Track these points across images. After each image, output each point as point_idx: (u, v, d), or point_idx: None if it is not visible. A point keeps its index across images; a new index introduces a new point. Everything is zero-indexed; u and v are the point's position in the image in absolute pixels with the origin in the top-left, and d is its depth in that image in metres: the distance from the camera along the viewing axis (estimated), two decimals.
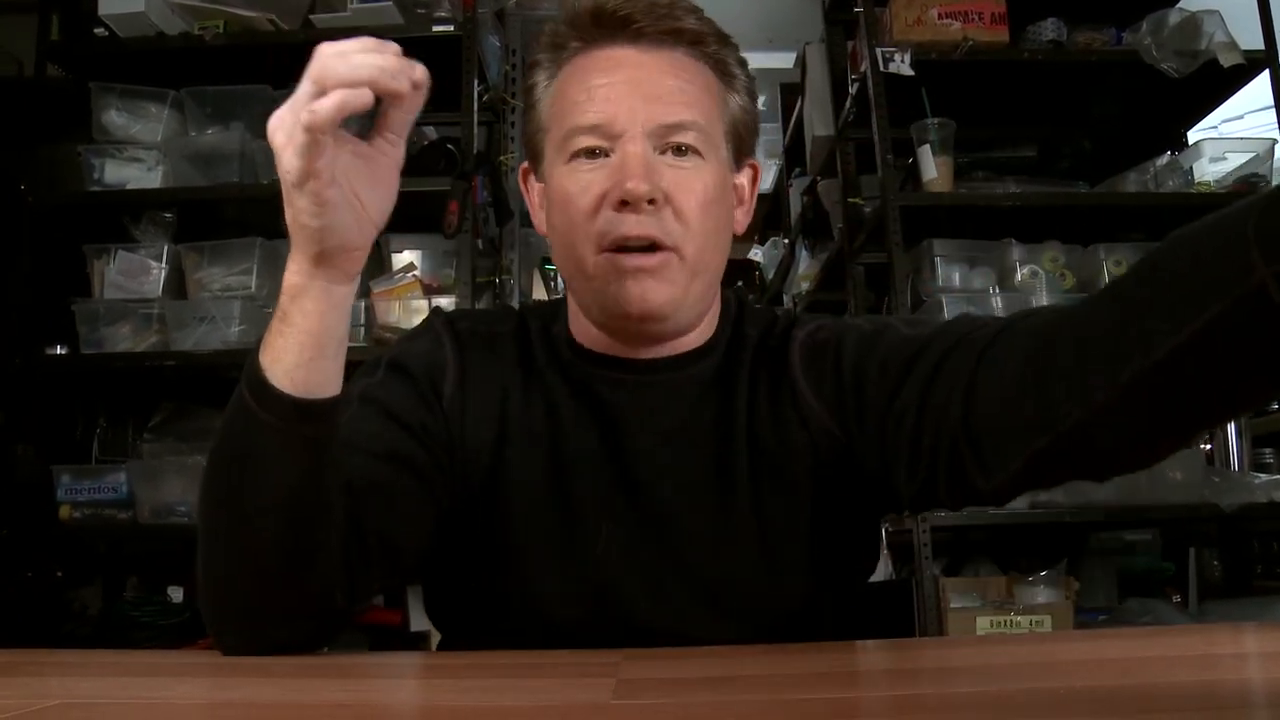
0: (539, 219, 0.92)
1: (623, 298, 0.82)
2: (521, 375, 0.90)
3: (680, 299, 0.84)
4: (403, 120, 0.70)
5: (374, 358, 0.93)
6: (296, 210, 0.69)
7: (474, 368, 0.89)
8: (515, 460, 0.87)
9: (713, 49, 0.87)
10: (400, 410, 0.85)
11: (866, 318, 0.95)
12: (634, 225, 0.81)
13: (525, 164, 0.94)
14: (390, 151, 0.71)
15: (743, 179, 0.92)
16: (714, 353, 0.91)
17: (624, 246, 0.81)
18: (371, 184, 0.71)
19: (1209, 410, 0.64)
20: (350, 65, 0.66)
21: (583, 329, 0.90)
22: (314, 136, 0.65)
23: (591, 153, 0.83)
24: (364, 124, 0.70)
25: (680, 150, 0.83)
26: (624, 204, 0.80)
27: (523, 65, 2.77)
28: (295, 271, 0.71)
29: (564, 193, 0.84)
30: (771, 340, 0.91)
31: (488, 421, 0.88)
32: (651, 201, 0.81)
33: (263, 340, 0.72)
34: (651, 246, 0.82)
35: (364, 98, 0.65)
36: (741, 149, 0.90)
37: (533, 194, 0.93)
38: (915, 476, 0.79)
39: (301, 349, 0.70)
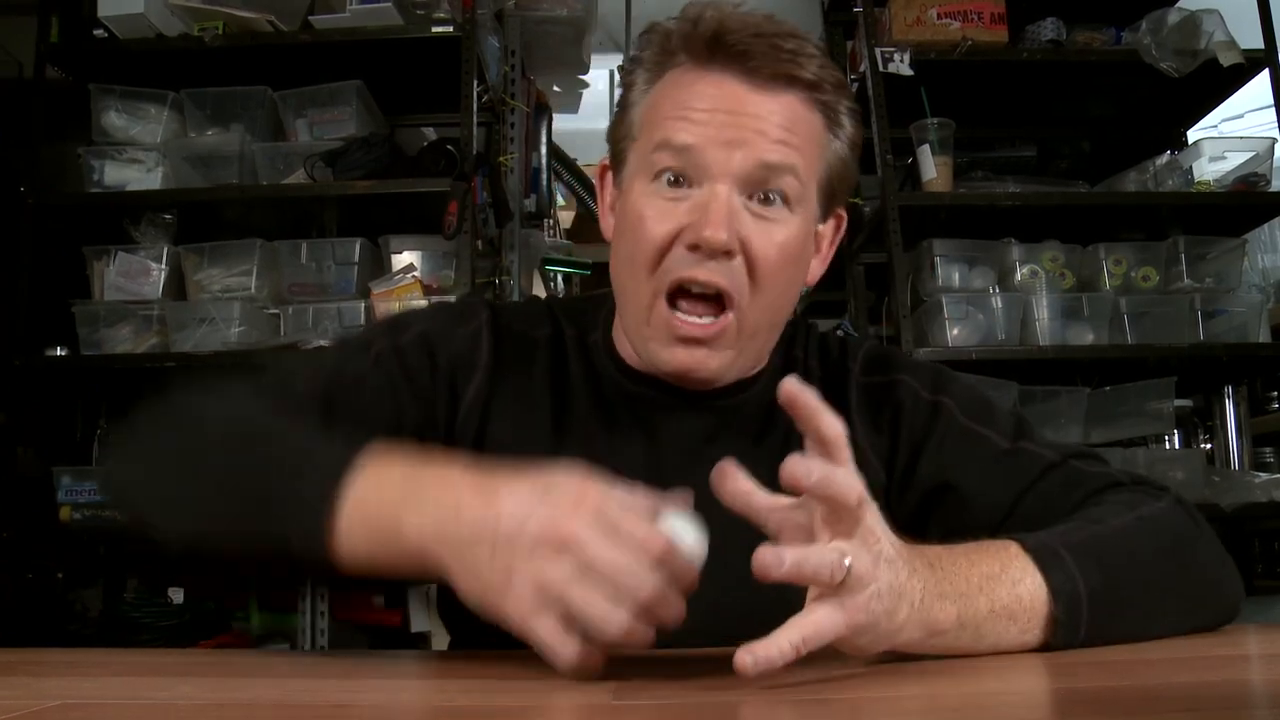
0: (606, 224, 0.89)
1: (672, 360, 0.81)
2: (551, 390, 0.87)
3: (729, 365, 0.83)
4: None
5: (407, 313, 0.90)
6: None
7: (505, 376, 0.87)
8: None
9: (827, 97, 0.82)
10: (405, 392, 0.84)
11: (916, 368, 0.92)
12: (703, 271, 0.78)
13: (605, 161, 0.90)
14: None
15: (826, 228, 0.88)
16: (762, 380, 0.89)
17: (687, 291, 0.79)
18: None
19: None
20: (604, 615, 0.56)
21: (628, 346, 0.88)
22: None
23: (676, 180, 0.79)
24: None
25: (768, 199, 0.79)
26: (696, 248, 0.77)
27: (522, 66, 2.77)
28: (424, 551, 0.61)
29: (639, 213, 0.80)
30: (826, 368, 0.91)
31: (509, 438, 0.85)
32: (727, 252, 0.78)
33: (361, 494, 0.63)
34: (715, 296, 0.79)
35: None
36: (833, 200, 0.86)
37: (605, 195, 0.89)
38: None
39: (373, 556, 0.64)
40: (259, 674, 0.69)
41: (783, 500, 0.60)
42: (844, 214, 0.90)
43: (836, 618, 0.56)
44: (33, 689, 0.63)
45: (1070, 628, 0.66)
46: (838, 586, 0.56)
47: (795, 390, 0.57)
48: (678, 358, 0.80)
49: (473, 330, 0.88)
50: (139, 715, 0.55)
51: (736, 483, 0.60)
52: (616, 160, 0.87)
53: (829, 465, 0.55)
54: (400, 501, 0.62)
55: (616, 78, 2.59)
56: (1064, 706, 0.53)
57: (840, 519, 0.56)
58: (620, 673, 0.61)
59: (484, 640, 0.89)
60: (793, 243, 0.81)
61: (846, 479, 0.55)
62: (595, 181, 0.93)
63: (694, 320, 0.79)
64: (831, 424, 0.57)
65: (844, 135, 0.84)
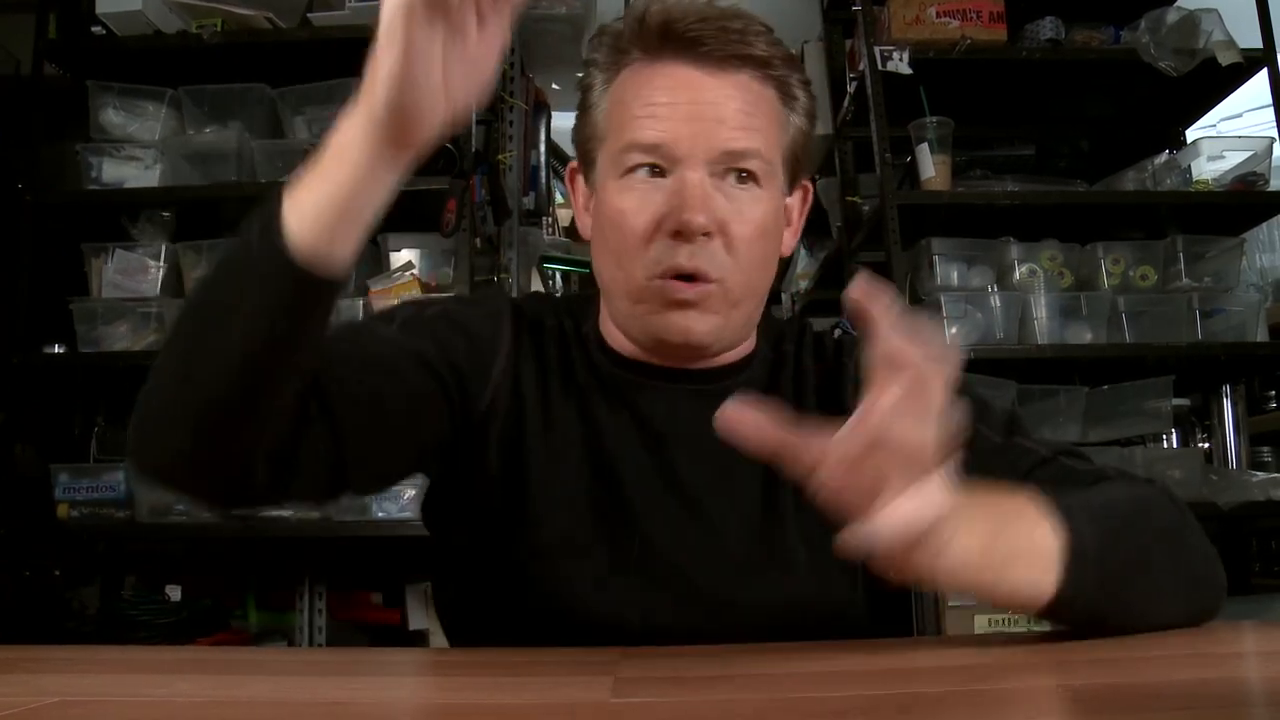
0: (584, 223, 0.92)
1: (666, 326, 0.84)
2: (560, 375, 0.90)
3: (721, 328, 0.85)
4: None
5: (425, 297, 0.91)
6: (376, 70, 0.64)
7: (525, 359, 0.89)
8: (551, 464, 0.86)
9: (779, 72, 0.85)
10: (434, 352, 0.84)
11: None
12: (687, 257, 0.81)
13: (574, 163, 0.93)
14: (490, 33, 0.64)
15: (794, 200, 0.92)
16: (751, 367, 0.91)
17: (674, 276, 0.82)
18: (463, 63, 0.64)
19: None
20: None
21: (616, 335, 0.90)
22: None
23: (651, 170, 0.82)
24: None
25: (740, 178, 0.83)
26: (678, 233, 0.81)
27: (521, 64, 2.77)
28: (349, 128, 0.66)
29: (617, 209, 0.84)
30: (821, 362, 0.92)
31: (526, 418, 0.87)
32: (706, 234, 0.81)
33: (289, 191, 0.67)
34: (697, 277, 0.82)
35: None
36: (796, 171, 0.90)
37: (579, 196, 0.92)
38: None
39: (322, 209, 0.65)
40: (257, 671, 0.69)
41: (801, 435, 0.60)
42: (809, 185, 0.94)
43: (939, 498, 0.58)
44: (32, 686, 0.63)
45: (1077, 584, 0.66)
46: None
47: (869, 290, 0.56)
48: (673, 321, 0.83)
49: (493, 312, 0.91)
50: (137, 712, 0.55)
51: (745, 418, 0.59)
52: (586, 161, 0.90)
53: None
54: (323, 159, 0.66)
55: None
56: (1064, 705, 0.53)
57: (923, 392, 0.57)
58: (620, 671, 0.61)
59: (485, 637, 0.89)
60: (766, 217, 0.85)
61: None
62: (566, 184, 0.95)
63: (681, 283, 0.82)
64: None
65: (800, 108, 0.88)
